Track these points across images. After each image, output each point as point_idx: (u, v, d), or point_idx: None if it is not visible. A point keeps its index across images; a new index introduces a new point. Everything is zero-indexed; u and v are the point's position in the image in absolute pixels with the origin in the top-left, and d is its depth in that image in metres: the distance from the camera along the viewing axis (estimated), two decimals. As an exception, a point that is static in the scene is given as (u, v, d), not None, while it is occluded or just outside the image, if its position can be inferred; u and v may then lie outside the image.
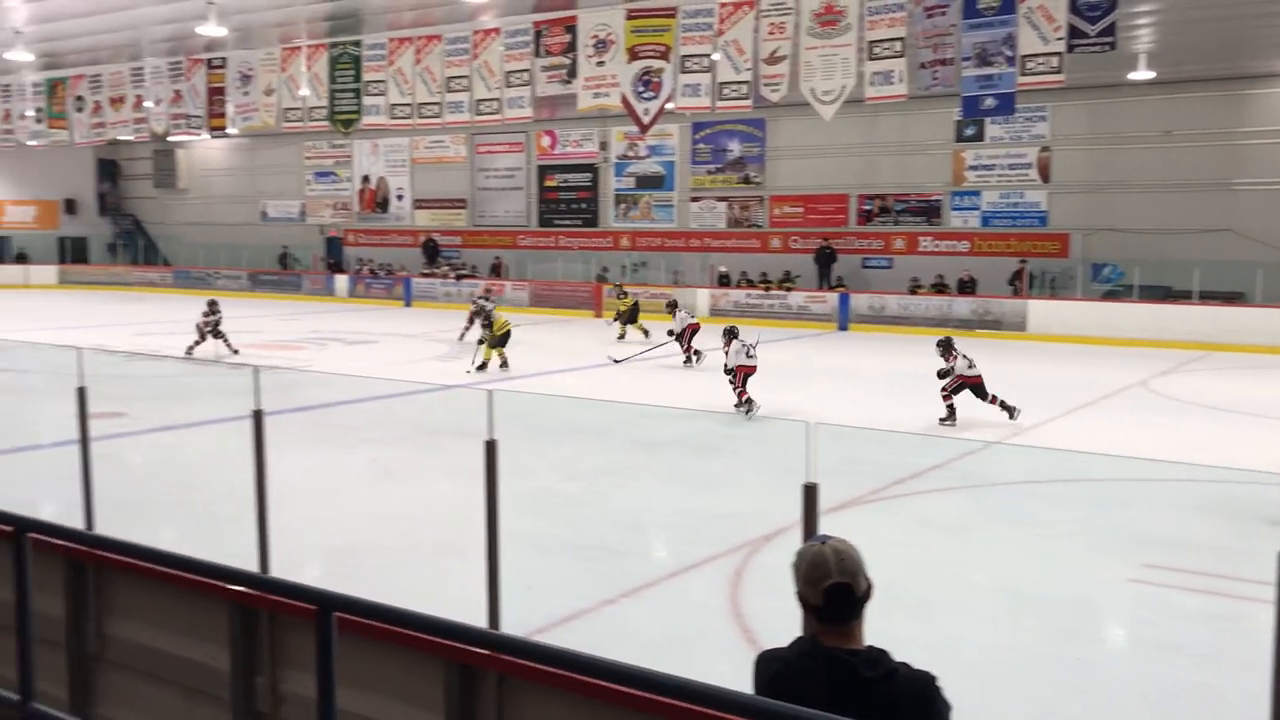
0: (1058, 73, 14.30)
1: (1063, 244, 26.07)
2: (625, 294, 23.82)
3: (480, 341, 17.63)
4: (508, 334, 17.52)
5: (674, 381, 16.77)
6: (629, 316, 22.55)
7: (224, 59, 22.08)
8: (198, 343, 19.14)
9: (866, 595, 2.61)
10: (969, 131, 26.76)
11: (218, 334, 19.20)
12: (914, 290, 26.53)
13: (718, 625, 6.39)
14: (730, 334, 13.90)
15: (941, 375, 13.11)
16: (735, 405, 13.24)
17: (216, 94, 22.39)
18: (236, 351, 18.99)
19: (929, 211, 27.88)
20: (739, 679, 2.65)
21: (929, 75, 15.14)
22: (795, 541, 5.64)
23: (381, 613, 2.63)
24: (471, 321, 20.34)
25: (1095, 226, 25.58)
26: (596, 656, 2.45)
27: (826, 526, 4.17)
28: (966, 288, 26.19)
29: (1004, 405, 12.80)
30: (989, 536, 8.53)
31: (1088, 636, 6.58)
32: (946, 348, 13.22)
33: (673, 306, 19.58)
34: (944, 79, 15.12)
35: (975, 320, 24.91)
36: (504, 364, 17.35)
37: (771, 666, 2.68)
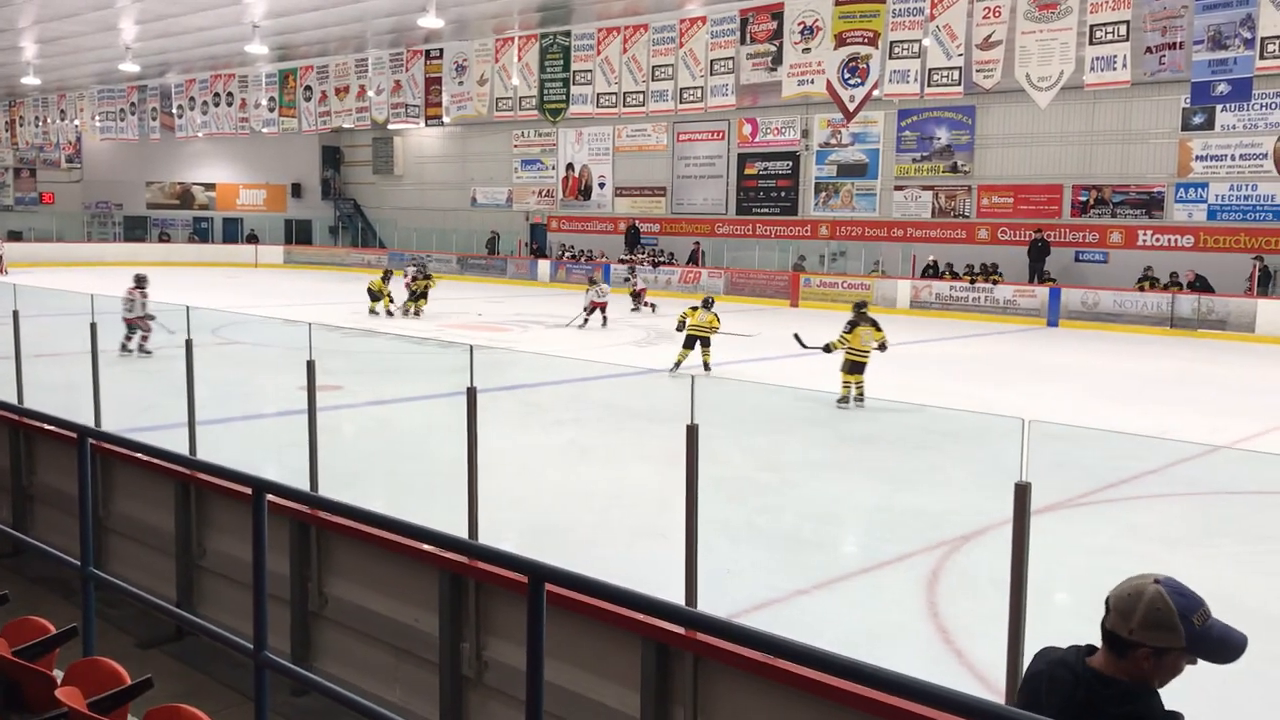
0: (1303, 54, 13.28)
1: (1301, 240, 24.25)
2: (428, 275, 26.54)
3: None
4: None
5: (877, 375, 16.45)
6: (420, 294, 25.40)
7: (441, 50, 22.95)
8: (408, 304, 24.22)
9: (1122, 639, 2.47)
10: (1198, 120, 25.17)
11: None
12: (1141, 285, 25.08)
13: (913, 623, 6.25)
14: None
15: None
16: None
17: (433, 84, 23.30)
18: (392, 315, 23.86)
19: (1150, 204, 26.38)
20: (934, 677, 2.59)
21: (1155, 60, 14.32)
22: (997, 543, 5.46)
23: (589, 586, 2.69)
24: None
25: (1339, 222, 23.70)
26: (798, 641, 2.44)
27: (1033, 529, 4.03)
28: (1193, 284, 24.53)
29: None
30: (1208, 548, 8.03)
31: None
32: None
33: (592, 283, 22.82)
34: (1172, 64, 14.27)
35: (1197, 320, 23.44)
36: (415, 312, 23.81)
37: (1036, 665, 2.65)
